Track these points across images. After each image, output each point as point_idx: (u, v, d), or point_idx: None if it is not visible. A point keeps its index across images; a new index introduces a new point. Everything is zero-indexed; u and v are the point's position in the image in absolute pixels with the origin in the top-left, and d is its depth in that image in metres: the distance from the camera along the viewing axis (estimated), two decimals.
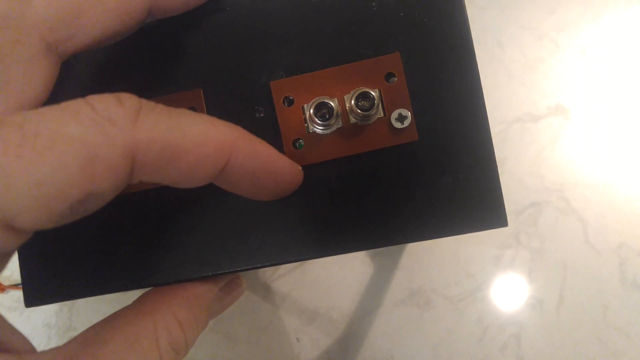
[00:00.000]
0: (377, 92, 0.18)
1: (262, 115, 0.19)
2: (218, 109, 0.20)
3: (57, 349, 0.15)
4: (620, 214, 0.39)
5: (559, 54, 0.40)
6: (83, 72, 0.20)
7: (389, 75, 0.19)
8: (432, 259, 0.38)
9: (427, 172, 0.18)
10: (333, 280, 0.38)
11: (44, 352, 0.15)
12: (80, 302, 0.38)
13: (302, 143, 0.19)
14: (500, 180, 0.18)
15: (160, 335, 0.17)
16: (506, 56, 0.40)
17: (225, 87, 0.20)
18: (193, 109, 0.20)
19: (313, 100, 0.18)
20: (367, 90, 0.17)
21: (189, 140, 0.14)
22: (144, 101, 0.14)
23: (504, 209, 0.18)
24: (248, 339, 0.36)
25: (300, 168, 0.18)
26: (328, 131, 0.19)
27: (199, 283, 0.20)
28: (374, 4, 0.19)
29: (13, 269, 0.39)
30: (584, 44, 0.41)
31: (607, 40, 0.40)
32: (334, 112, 0.18)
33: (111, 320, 0.17)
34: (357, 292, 0.37)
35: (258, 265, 0.19)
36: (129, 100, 0.13)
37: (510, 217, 0.39)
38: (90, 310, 0.38)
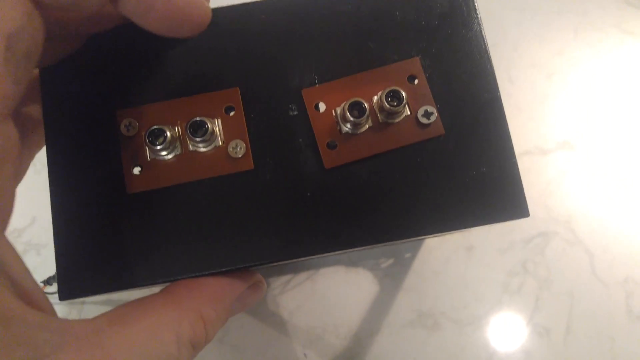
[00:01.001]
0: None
1: (295, 113, 0.21)
2: (254, 107, 0.21)
3: (86, 320, 0.16)
4: (626, 248, 0.40)
5: (568, 91, 0.42)
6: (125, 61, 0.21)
7: (411, 78, 0.20)
8: (441, 282, 0.39)
9: (451, 166, 0.20)
10: (341, 298, 0.38)
11: (72, 320, 0.16)
12: (90, 306, 0.38)
13: (336, 143, 0.20)
14: None
15: (183, 331, 0.17)
16: (515, 90, 0.42)
17: (261, 87, 0.21)
18: (231, 107, 0.21)
19: (347, 101, 0.19)
20: (397, 88, 0.19)
21: None
22: None
23: (525, 200, 0.19)
24: (255, 352, 0.36)
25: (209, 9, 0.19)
26: (359, 131, 0.20)
27: (225, 279, 0.20)
28: (397, 13, 0.21)
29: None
30: (591, 83, 0.43)
31: (615, 81, 0.43)
32: (366, 110, 0.19)
33: (139, 305, 0.18)
34: (365, 310, 0.38)
35: (296, 258, 0.20)
36: None
37: (517, 245, 0.40)
38: (99, 312, 0.38)
